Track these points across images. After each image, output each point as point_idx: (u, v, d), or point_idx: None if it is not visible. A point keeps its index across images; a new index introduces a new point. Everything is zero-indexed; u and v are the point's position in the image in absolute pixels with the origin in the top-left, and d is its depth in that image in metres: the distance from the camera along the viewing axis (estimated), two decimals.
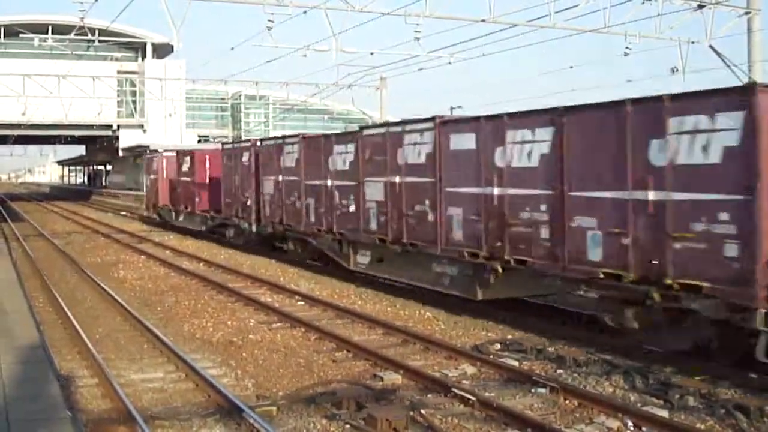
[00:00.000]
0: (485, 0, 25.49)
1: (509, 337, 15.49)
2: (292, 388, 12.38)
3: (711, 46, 27.23)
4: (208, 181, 35.82)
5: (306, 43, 31.97)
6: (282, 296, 20.86)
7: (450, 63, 33.16)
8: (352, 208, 21.82)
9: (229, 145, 34.91)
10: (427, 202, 18.41)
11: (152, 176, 46.09)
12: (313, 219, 24.46)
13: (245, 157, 30.39)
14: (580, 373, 12.74)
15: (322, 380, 12.75)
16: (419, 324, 17.15)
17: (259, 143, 29.83)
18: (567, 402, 11.34)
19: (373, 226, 20.73)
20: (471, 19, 26.59)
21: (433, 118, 18.23)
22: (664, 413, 10.71)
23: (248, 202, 29.66)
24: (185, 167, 38.92)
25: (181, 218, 40.46)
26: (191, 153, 39.07)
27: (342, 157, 22.52)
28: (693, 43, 28.74)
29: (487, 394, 11.64)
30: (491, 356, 13.96)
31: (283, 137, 27.88)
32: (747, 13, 26.04)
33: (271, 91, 75.45)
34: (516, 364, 13.47)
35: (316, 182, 24.04)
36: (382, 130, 20.92)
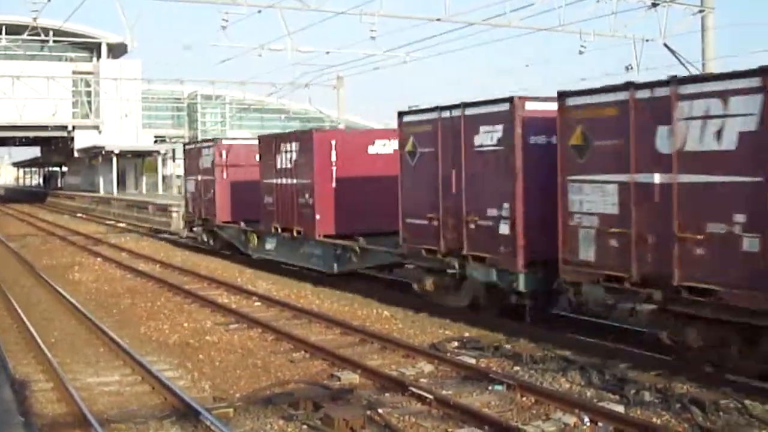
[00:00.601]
0: None
1: (466, 334, 15.53)
2: (249, 390, 12.32)
3: (665, 44, 27.51)
4: (335, 184, 22.09)
5: (261, 42, 31.97)
6: (239, 297, 20.72)
7: (406, 62, 33.26)
8: None
9: (426, 115, 17.54)
10: None
11: (199, 177, 30.73)
12: None
13: (486, 136, 15.81)
14: (537, 370, 12.81)
15: (279, 381, 12.69)
16: (377, 323, 17.14)
17: (539, 104, 15.26)
18: (524, 399, 11.39)
19: None
20: (426, 18, 26.64)
21: None
22: (620, 408, 10.79)
23: (501, 227, 15.51)
24: (285, 161, 23.58)
25: (270, 246, 25.27)
26: (302, 136, 23.40)
27: None
28: (647, 41, 29.01)
29: (444, 392, 11.66)
30: (448, 354, 13.98)
31: (678, 79, 12.13)
32: (701, 11, 26.30)
33: (227, 91, 75.13)
34: (473, 361, 13.50)
35: None
36: None
